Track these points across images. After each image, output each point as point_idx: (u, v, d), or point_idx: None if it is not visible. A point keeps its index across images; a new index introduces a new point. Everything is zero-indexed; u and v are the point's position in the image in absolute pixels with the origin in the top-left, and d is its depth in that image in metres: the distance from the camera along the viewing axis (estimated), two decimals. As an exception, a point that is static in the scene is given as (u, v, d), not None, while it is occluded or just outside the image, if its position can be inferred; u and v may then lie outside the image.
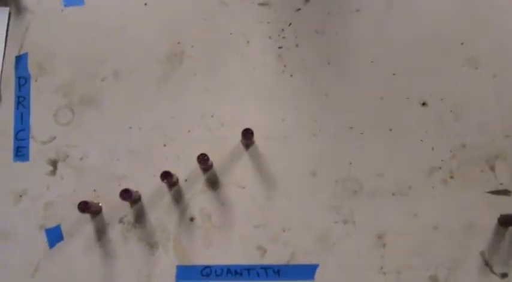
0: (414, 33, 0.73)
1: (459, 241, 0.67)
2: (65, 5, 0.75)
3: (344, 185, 0.69)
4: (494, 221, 0.68)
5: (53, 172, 0.70)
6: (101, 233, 0.69)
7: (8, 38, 0.74)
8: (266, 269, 0.67)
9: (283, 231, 0.68)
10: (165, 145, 0.71)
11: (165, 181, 0.66)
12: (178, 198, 0.69)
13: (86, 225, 0.69)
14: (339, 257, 0.67)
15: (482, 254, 0.67)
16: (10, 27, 0.75)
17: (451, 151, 0.69)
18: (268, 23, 0.74)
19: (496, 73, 0.71)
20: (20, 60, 0.73)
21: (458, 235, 0.67)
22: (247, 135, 0.67)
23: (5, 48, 0.73)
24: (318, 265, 0.67)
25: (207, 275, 0.67)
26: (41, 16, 0.75)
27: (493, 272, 0.67)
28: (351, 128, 0.71)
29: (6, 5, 0.75)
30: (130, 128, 0.71)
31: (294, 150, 0.70)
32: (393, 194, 0.69)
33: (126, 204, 0.69)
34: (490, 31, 0.73)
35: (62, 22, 0.75)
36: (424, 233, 0.68)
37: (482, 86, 0.71)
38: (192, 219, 0.69)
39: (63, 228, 0.69)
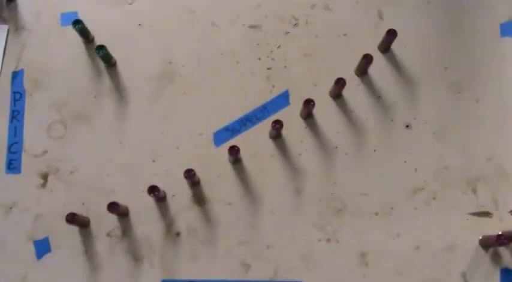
0: (399, 58, 0.75)
1: (440, 261, 0.68)
2: (62, 24, 0.77)
3: (328, 204, 0.70)
4: (475, 243, 0.69)
5: (44, 185, 0.72)
6: (88, 245, 0.70)
7: (6, 54, 0.76)
8: (249, 285, 0.68)
9: (267, 248, 0.69)
10: (154, 161, 0.72)
11: (152, 195, 0.67)
12: (165, 213, 0.71)
13: (74, 237, 0.70)
14: (322, 274, 0.68)
15: (463, 275, 0.68)
16: (8, 44, 0.77)
17: (433, 173, 0.71)
18: (257, 44, 0.76)
19: (478, 98, 0.73)
20: (16, 76, 0.75)
21: (440, 256, 0.68)
22: (233, 152, 0.68)
23: (2, 64, 0.76)
24: (300, 282, 0.68)
25: (191, 290, 0.68)
26: (39, 34, 0.77)
27: (474, 293, 0.68)
28: (336, 147, 0.72)
29: (5, 23, 0.78)
30: (120, 143, 0.73)
31: (280, 169, 0.72)
32: (376, 214, 0.70)
33: (114, 218, 0.70)
34: (473, 56, 0.75)
35: (58, 40, 0.77)
36: (405, 253, 0.69)
37: (464, 109, 0.73)
38: (178, 234, 0.70)
39: (52, 240, 0.70)
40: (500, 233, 0.65)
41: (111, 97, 0.75)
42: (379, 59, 0.74)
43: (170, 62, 0.76)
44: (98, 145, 0.73)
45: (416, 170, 0.71)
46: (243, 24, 0.77)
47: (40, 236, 0.70)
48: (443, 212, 0.70)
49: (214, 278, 0.68)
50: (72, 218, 0.66)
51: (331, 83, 0.71)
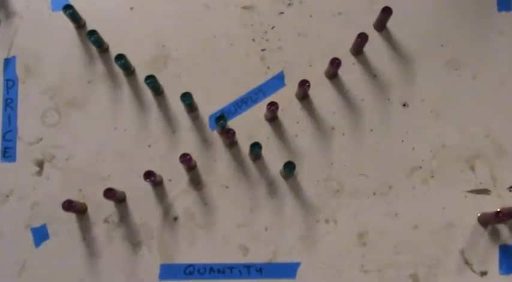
0: (395, 36, 0.74)
1: (439, 240, 0.68)
2: (53, 10, 0.76)
3: (326, 185, 0.70)
4: (474, 220, 0.68)
5: (39, 173, 0.72)
6: (86, 232, 0.70)
7: (-3, 41, 0.76)
8: (248, 268, 0.68)
9: (266, 230, 0.69)
10: (149, 146, 0.72)
11: (148, 180, 0.67)
12: (162, 198, 0.70)
13: (72, 224, 0.70)
14: (321, 255, 0.68)
15: (462, 252, 0.68)
16: (-1, 31, 0.76)
17: (431, 151, 0.70)
18: (251, 25, 0.75)
19: (475, 74, 0.72)
20: (8, 63, 0.75)
21: (439, 234, 0.68)
22: (229, 135, 0.68)
23: (-7, 52, 0.75)
24: (299, 264, 0.68)
25: (190, 274, 0.68)
26: (30, 20, 0.76)
27: (473, 271, 0.67)
28: (333, 128, 0.72)
29: (-5, 10, 0.77)
30: (116, 129, 0.72)
31: (277, 151, 0.71)
32: (374, 194, 0.70)
33: (111, 204, 0.70)
34: (470, 32, 0.74)
35: (50, 26, 0.76)
36: (404, 232, 0.69)
37: (462, 87, 0.72)
38: (175, 219, 0.70)
39: (49, 228, 0.70)
40: (498, 209, 0.65)
41: (105, 82, 0.74)
42: (374, 37, 0.74)
43: (163, 46, 0.75)
44: (93, 131, 0.72)
45: (413, 148, 0.71)
46: (236, 5, 0.76)
47: (37, 224, 0.70)
48: (441, 190, 0.69)
49: (213, 262, 0.69)
50: (69, 205, 0.66)
51: (326, 63, 0.70)
